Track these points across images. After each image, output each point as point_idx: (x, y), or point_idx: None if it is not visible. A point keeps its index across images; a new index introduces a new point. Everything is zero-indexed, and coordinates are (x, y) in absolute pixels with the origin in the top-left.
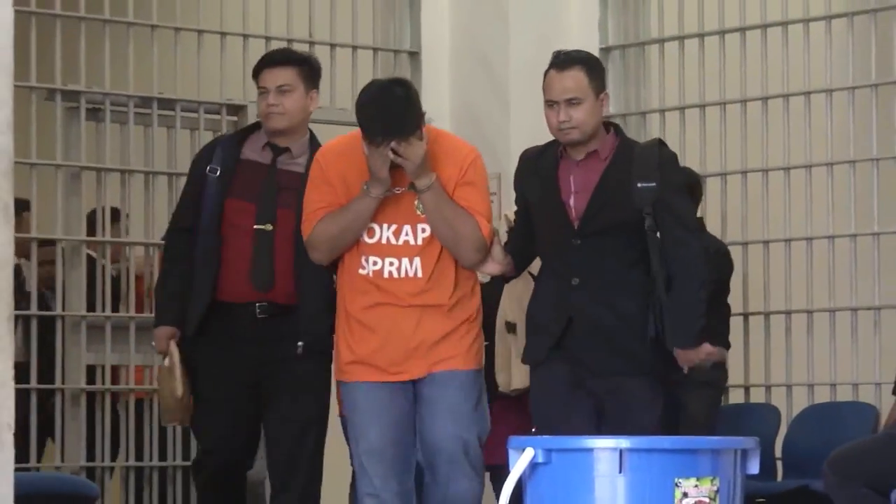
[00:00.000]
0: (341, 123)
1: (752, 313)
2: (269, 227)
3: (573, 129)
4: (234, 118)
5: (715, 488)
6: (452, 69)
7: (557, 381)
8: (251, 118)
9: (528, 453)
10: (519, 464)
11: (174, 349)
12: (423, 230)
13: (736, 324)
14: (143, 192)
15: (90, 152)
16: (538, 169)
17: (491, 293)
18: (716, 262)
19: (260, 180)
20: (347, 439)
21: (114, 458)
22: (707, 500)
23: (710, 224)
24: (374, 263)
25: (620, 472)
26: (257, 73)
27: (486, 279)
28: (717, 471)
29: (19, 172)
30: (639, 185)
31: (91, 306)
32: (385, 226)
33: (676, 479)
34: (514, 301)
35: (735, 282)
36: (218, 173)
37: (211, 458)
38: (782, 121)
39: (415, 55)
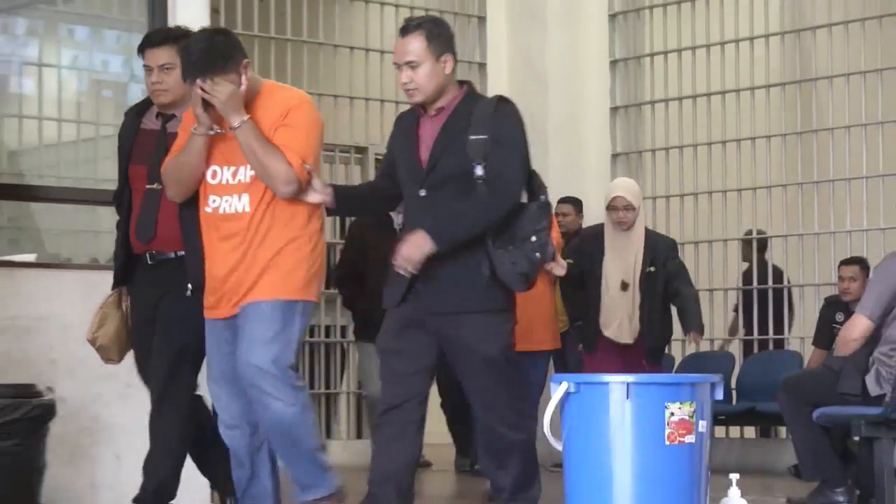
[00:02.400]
0: None
1: (712, 289)
2: (157, 185)
3: (415, 90)
4: (360, 156)
5: (693, 409)
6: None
7: (399, 320)
8: (371, 157)
9: (564, 385)
10: (557, 393)
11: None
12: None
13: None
14: None
15: None
16: (403, 127)
17: (596, 254)
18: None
19: (152, 146)
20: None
21: None
22: (687, 417)
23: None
24: (214, 202)
25: (627, 398)
26: (141, 51)
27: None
28: (695, 397)
29: None
30: (471, 137)
31: None
32: (225, 168)
33: (666, 403)
34: (623, 262)
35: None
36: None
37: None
38: (736, 159)
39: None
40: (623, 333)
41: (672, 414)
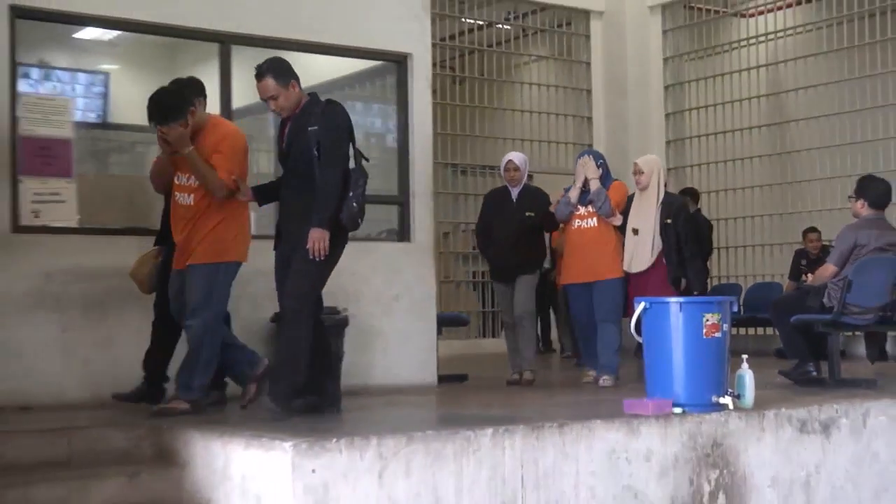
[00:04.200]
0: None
1: (728, 247)
2: None
3: (282, 110)
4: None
5: (719, 317)
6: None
7: (278, 257)
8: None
9: (642, 305)
10: (637, 310)
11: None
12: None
13: (722, 252)
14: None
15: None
16: (278, 129)
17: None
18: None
19: None
20: None
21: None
22: (716, 322)
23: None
24: (177, 196)
25: (680, 311)
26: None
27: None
28: (720, 310)
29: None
30: (309, 128)
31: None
32: (183, 176)
33: (704, 313)
34: (638, 215)
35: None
36: None
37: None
38: (741, 170)
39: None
40: (633, 265)
41: (707, 320)
